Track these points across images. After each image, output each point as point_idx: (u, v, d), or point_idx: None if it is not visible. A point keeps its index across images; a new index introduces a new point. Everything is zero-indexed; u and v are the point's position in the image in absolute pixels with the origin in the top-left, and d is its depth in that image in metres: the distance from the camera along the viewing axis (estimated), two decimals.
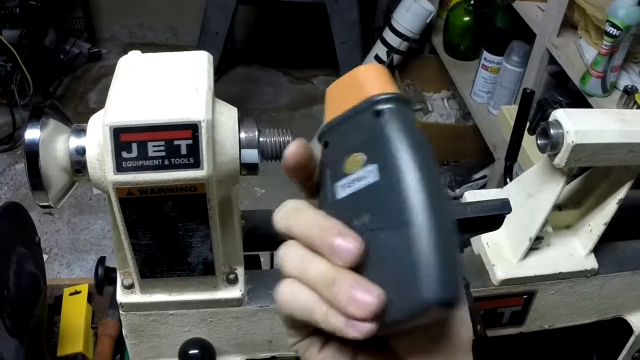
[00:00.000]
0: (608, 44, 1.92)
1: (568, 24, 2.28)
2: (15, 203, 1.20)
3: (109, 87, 0.72)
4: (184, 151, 0.68)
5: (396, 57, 3.07)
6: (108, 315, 1.40)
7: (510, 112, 2.41)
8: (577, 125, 0.83)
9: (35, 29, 3.60)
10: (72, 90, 3.89)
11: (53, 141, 0.73)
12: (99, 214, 3.22)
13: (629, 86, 1.96)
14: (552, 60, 2.33)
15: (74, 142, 0.74)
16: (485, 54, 2.80)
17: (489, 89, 2.82)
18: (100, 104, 0.73)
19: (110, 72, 0.73)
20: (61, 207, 3.13)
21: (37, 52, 3.58)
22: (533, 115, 1.07)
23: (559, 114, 0.85)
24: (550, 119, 0.86)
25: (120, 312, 0.90)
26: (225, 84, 3.98)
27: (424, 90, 3.37)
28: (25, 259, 1.19)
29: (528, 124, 1.09)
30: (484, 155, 2.86)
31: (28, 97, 3.48)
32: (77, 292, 1.44)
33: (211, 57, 0.77)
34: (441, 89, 3.39)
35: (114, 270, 0.96)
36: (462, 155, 3.09)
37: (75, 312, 1.41)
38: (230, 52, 4.13)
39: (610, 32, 1.89)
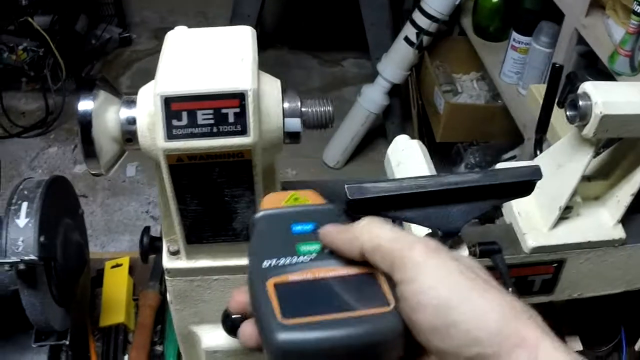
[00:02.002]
0: (636, 22, 1.93)
1: (596, 4, 2.27)
2: (61, 176, 1.23)
3: (141, 71, 0.76)
4: (231, 119, 0.71)
5: (425, 39, 3.07)
6: (149, 286, 1.43)
7: (539, 91, 2.39)
8: (605, 96, 0.86)
9: (67, 14, 3.65)
10: (104, 74, 3.90)
11: (104, 112, 0.76)
12: (132, 196, 3.27)
13: None
14: (580, 40, 2.33)
15: (125, 112, 0.77)
16: (514, 35, 2.79)
17: (518, 70, 2.82)
18: (133, 88, 0.76)
19: (141, 56, 0.77)
20: (95, 190, 3.19)
21: (68, 38, 3.63)
22: (562, 88, 1.09)
23: (588, 86, 0.88)
24: (579, 91, 0.89)
25: (166, 277, 0.94)
26: None
27: (454, 72, 3.37)
28: (70, 229, 1.22)
29: (557, 98, 1.11)
30: (513, 136, 2.86)
31: (60, 82, 3.53)
32: (118, 265, 1.47)
33: (254, 31, 0.81)
34: (470, 70, 3.39)
35: (158, 239, 1.00)
36: (492, 135, 3.09)
37: (116, 284, 1.44)
38: (260, 35, 4.11)
39: (638, 10, 1.89)
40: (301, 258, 0.54)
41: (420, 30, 3.04)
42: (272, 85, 0.77)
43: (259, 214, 0.59)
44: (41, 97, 3.57)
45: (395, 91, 3.33)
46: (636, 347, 1.25)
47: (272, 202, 0.61)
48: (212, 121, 0.71)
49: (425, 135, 3.28)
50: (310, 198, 0.60)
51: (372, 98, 3.27)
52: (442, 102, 3.05)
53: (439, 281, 0.48)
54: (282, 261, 0.53)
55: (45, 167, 3.40)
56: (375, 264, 0.52)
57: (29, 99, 3.74)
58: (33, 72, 3.53)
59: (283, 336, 0.47)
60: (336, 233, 0.54)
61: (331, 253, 0.54)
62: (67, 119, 3.59)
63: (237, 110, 0.71)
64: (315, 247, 0.55)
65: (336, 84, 4.04)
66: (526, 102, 2.59)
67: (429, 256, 0.49)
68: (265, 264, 0.53)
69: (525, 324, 0.46)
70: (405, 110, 3.48)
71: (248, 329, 0.52)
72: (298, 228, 0.56)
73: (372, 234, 0.52)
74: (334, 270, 0.53)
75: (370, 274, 0.53)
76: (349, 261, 0.53)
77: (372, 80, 3.31)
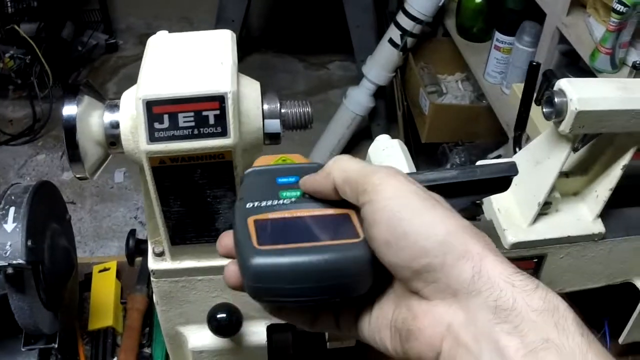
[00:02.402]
0: (616, 20, 1.95)
1: (577, 3, 2.29)
2: (48, 182, 1.24)
3: (127, 77, 0.78)
4: (212, 121, 0.72)
5: (410, 41, 3.09)
6: (136, 290, 1.44)
7: (520, 89, 2.42)
8: (580, 93, 0.87)
9: (53, 21, 3.66)
10: (90, 80, 3.89)
11: (88, 116, 0.78)
12: (120, 202, 3.27)
13: (638, 62, 1.96)
14: (562, 39, 2.36)
15: (108, 117, 0.78)
16: (498, 35, 2.82)
17: (502, 70, 2.85)
18: (119, 94, 0.78)
19: (127, 62, 0.79)
20: (83, 196, 3.19)
21: (55, 45, 3.64)
22: (539, 86, 1.11)
23: (563, 83, 0.89)
24: (555, 87, 0.90)
25: (152, 279, 0.95)
26: (241, 72, 3.97)
27: (438, 73, 3.39)
28: (58, 234, 1.23)
29: (535, 96, 1.13)
30: (498, 136, 2.88)
31: (48, 89, 3.53)
32: (106, 269, 1.48)
33: (234, 34, 0.81)
34: (455, 71, 3.41)
35: (144, 242, 1.01)
36: (477, 135, 3.11)
37: (104, 288, 1.45)
38: (245, 39, 4.16)
39: (618, 8, 1.92)
40: (282, 201, 0.57)
41: (404, 32, 3.06)
42: (251, 88, 0.78)
43: (249, 170, 0.62)
44: (28, 104, 3.57)
45: (381, 93, 3.35)
46: (620, 340, 1.26)
47: (262, 163, 0.64)
48: (193, 123, 0.72)
49: (410, 136, 3.29)
50: (297, 159, 0.64)
51: (357, 100, 3.29)
52: (427, 103, 3.07)
53: (393, 199, 0.51)
54: (264, 203, 0.56)
55: (33, 175, 3.40)
56: (346, 196, 0.54)
57: (16, 107, 3.75)
58: (20, 80, 3.54)
59: (257, 260, 0.50)
60: (313, 176, 0.57)
61: (311, 198, 0.57)
62: (54, 126, 3.59)
63: (217, 112, 0.72)
64: (296, 193, 0.58)
65: (322, 87, 4.05)
66: (509, 100, 2.62)
67: (386, 179, 0.52)
68: (249, 205, 0.56)
69: (470, 238, 0.49)
70: (391, 112, 3.50)
71: (232, 267, 0.55)
72: (283, 180, 0.60)
73: (341, 168, 0.55)
74: (311, 211, 0.56)
75: (344, 214, 0.56)
76: (326, 205, 0.56)
77: (357, 83, 3.32)
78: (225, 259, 0.57)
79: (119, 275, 1.49)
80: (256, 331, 1.04)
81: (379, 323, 0.55)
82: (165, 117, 0.72)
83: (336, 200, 0.56)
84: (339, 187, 0.55)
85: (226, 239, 0.57)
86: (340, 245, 0.52)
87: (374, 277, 0.53)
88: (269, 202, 0.57)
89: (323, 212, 0.56)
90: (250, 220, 0.54)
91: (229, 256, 0.57)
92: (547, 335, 0.44)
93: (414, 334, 0.51)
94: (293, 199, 0.57)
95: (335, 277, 0.51)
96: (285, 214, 0.56)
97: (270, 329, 1.04)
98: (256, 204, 0.56)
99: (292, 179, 0.59)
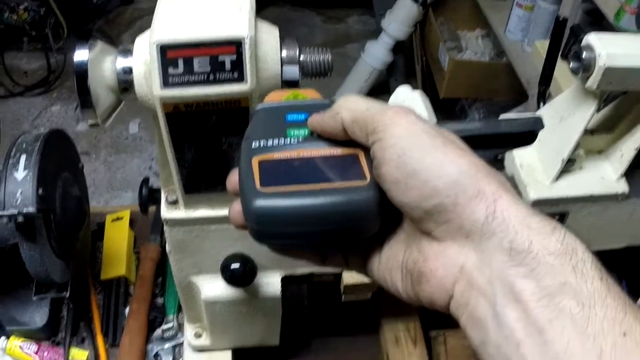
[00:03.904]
0: None
1: None
2: (60, 130, 1.23)
3: (143, 29, 0.75)
4: (228, 66, 0.71)
5: None
6: (150, 239, 1.43)
7: (543, 47, 2.38)
8: (609, 48, 0.85)
9: None
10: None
11: (101, 62, 0.76)
12: (135, 153, 3.26)
13: None
14: None
15: (121, 62, 0.77)
16: None
17: (523, 27, 2.80)
18: None
19: (143, 14, 0.77)
20: (97, 147, 3.19)
21: None
22: (566, 41, 1.08)
23: (592, 38, 0.87)
24: (583, 43, 0.88)
25: (165, 228, 0.94)
26: None
27: (458, 29, 3.34)
28: (70, 183, 1.22)
29: (561, 51, 1.10)
30: (517, 94, 2.85)
31: (62, 41, 3.52)
32: (119, 219, 1.47)
33: None
34: (475, 27, 3.36)
35: (157, 190, 1.00)
36: (496, 93, 3.08)
37: (117, 237, 1.44)
38: None
39: None
40: (289, 140, 0.55)
41: None
42: (270, 33, 0.76)
43: (259, 106, 0.60)
44: (43, 56, 3.55)
45: (399, 48, 3.31)
46: (638, 302, 1.24)
47: (274, 98, 0.62)
48: (208, 69, 0.71)
49: (429, 92, 3.26)
50: (309, 95, 0.62)
51: (375, 54, 3.25)
52: (446, 59, 3.03)
53: (402, 137, 0.49)
54: (270, 142, 0.55)
55: (47, 126, 3.39)
56: (355, 136, 0.53)
57: (30, 59, 3.73)
58: (34, 32, 3.53)
59: (258, 202, 0.49)
60: (321, 115, 0.55)
61: (319, 137, 0.56)
62: (69, 78, 3.57)
63: (234, 57, 0.70)
64: (304, 131, 0.56)
65: (339, 41, 4.00)
66: (531, 59, 2.58)
67: (396, 117, 0.50)
68: (255, 144, 0.55)
69: (484, 178, 0.47)
70: (409, 67, 3.46)
71: (237, 207, 0.54)
72: (292, 117, 0.58)
73: (350, 107, 0.53)
74: (318, 151, 0.54)
75: (352, 155, 0.54)
76: (334, 145, 0.55)
77: (376, 37, 3.28)
78: None
79: (132, 225, 1.48)
80: (270, 282, 1.03)
81: (390, 264, 0.54)
82: (180, 61, 0.71)
83: (345, 140, 0.54)
84: (348, 126, 0.53)
85: (235, 177, 0.55)
86: (346, 187, 0.51)
87: (381, 220, 0.52)
88: (275, 141, 0.55)
89: (330, 152, 0.54)
90: (255, 161, 0.53)
91: (237, 194, 0.55)
92: (564, 279, 0.42)
93: (425, 276, 0.50)
94: (300, 138, 0.56)
95: (339, 221, 0.50)
96: (292, 153, 0.54)
97: (285, 281, 1.03)
98: (262, 143, 0.55)
99: (301, 117, 0.57)
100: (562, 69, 1.10)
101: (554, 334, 0.41)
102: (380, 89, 3.44)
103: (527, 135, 0.76)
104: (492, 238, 0.45)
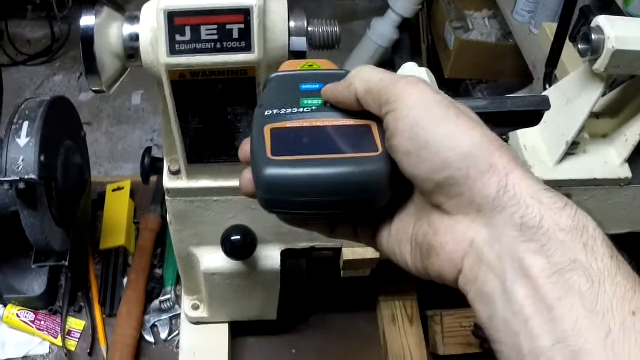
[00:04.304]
0: None
1: None
2: (63, 97, 1.22)
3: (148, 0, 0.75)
4: (236, 35, 0.70)
5: None
6: (150, 210, 1.43)
7: (551, 29, 2.37)
8: (618, 31, 0.84)
9: None
10: None
11: (107, 28, 0.75)
12: (137, 124, 3.25)
13: None
14: None
15: (128, 29, 0.76)
16: None
17: (532, 9, 2.79)
18: None
19: None
20: (99, 117, 3.18)
21: None
22: (575, 22, 1.07)
23: (601, 20, 0.86)
24: (593, 24, 0.87)
25: (166, 197, 0.93)
26: None
27: (465, 9, 3.32)
28: (72, 151, 1.22)
29: (569, 33, 1.10)
30: (522, 76, 2.84)
31: (67, 9, 3.49)
32: (120, 189, 1.47)
33: None
34: (482, 7, 3.34)
35: (159, 160, 1.00)
36: (501, 74, 3.06)
37: (117, 207, 1.44)
38: None
39: None
40: (302, 109, 0.55)
41: None
42: (278, 3, 0.76)
43: (273, 75, 0.60)
44: (47, 25, 3.53)
45: (406, 25, 3.30)
46: None
47: (288, 67, 0.62)
48: (216, 37, 0.70)
49: (434, 71, 3.24)
50: (324, 65, 0.62)
51: (381, 32, 3.24)
52: (452, 38, 3.01)
53: (415, 108, 0.49)
54: (283, 111, 0.55)
55: (50, 95, 3.31)
56: (368, 107, 0.53)
57: (34, 27, 3.70)
58: (39, 0, 3.50)
59: (269, 171, 0.49)
60: (335, 85, 0.55)
61: (332, 107, 0.56)
62: (73, 47, 3.55)
63: (242, 26, 0.70)
64: (317, 101, 0.56)
65: (346, 17, 3.98)
66: (538, 42, 2.57)
67: (409, 88, 0.50)
68: (267, 112, 0.55)
69: (496, 151, 0.46)
70: (415, 45, 3.45)
71: (248, 176, 0.54)
72: (306, 87, 0.58)
73: (364, 78, 0.53)
74: (331, 121, 0.54)
75: (365, 126, 0.54)
76: (347, 115, 0.55)
77: (382, 14, 3.27)
78: None
79: (133, 195, 1.48)
80: (270, 255, 1.03)
81: (400, 237, 0.54)
82: (187, 29, 0.70)
83: (358, 111, 0.54)
84: (361, 97, 0.53)
85: (247, 145, 0.55)
86: (358, 158, 0.50)
87: (392, 192, 0.52)
88: (289, 110, 0.55)
89: (343, 122, 0.54)
90: (267, 129, 0.53)
91: (249, 163, 0.55)
92: (575, 256, 0.42)
93: (435, 249, 0.49)
94: (314, 108, 0.55)
95: (350, 192, 0.50)
96: (304, 122, 0.54)
97: (284, 254, 1.03)
98: (275, 111, 0.55)
99: (315, 86, 0.57)
100: (569, 51, 1.10)
101: (562, 311, 0.41)
102: (385, 67, 3.42)
103: (533, 114, 0.75)
104: (503, 213, 0.45)
